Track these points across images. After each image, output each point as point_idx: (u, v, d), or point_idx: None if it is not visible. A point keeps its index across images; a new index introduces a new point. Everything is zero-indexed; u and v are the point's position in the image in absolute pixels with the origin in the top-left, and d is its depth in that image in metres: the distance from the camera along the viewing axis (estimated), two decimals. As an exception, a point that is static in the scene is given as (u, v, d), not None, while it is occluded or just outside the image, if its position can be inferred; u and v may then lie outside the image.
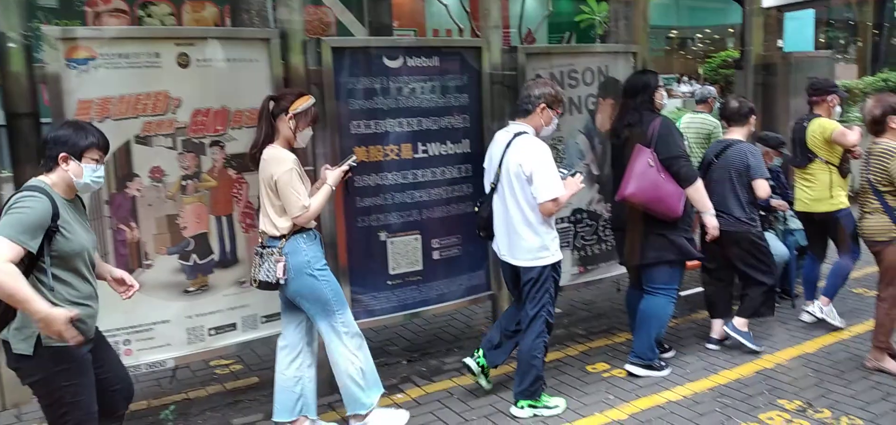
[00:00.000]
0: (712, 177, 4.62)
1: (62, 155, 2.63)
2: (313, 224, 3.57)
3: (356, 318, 4.17)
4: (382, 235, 4.31)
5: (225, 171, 3.83)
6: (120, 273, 3.03)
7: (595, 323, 5.51)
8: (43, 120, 3.48)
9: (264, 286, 3.49)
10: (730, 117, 4.76)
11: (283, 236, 3.44)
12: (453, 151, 4.50)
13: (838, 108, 5.11)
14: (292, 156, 3.44)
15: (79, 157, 2.65)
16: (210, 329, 3.88)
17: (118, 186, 3.57)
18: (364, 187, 4.18)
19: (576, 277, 5.03)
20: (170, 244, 3.73)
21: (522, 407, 3.90)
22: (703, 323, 5.18)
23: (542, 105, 3.82)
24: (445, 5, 11.04)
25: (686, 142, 6.58)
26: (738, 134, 4.70)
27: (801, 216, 5.25)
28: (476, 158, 4.57)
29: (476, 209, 4.12)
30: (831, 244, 5.26)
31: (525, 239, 3.77)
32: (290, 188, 3.35)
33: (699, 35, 25.08)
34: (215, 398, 4.35)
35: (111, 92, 3.48)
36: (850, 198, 5.03)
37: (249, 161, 3.63)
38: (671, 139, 4.16)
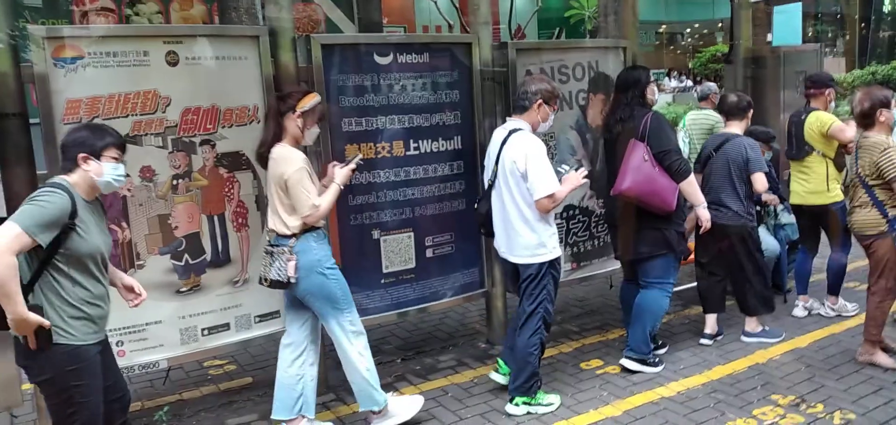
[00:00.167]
0: (711, 171, 4.66)
1: (82, 155, 2.65)
2: (322, 223, 3.56)
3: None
4: (375, 233, 4.30)
5: (216, 170, 3.81)
6: (130, 280, 3.03)
7: (588, 319, 5.52)
8: (31, 120, 3.44)
9: (275, 285, 3.48)
10: (728, 111, 4.79)
11: (294, 235, 3.43)
12: (445, 148, 4.49)
13: (833, 103, 5.15)
14: (302, 155, 3.44)
15: (98, 156, 2.67)
16: (203, 329, 3.85)
17: (107, 187, 3.53)
18: (356, 185, 4.17)
19: (569, 274, 5.03)
20: (161, 244, 3.70)
21: (518, 404, 3.89)
22: (697, 318, 5.20)
23: (539, 101, 3.82)
24: (435, 2, 11.03)
25: (688, 138, 6.64)
26: (736, 128, 4.73)
27: (796, 209, 5.28)
28: (468, 155, 4.58)
29: (475, 207, 4.12)
30: (824, 238, 5.29)
31: (522, 236, 3.77)
32: (301, 187, 3.35)
33: (688, 30, 25.18)
34: (209, 399, 4.33)
35: (100, 91, 3.45)
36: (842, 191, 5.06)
37: (257, 160, 3.61)
38: (663, 133, 4.17)
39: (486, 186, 3.99)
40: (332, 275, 3.52)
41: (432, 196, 4.47)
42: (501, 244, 3.93)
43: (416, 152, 4.38)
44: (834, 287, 5.21)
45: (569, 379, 4.37)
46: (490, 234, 4.05)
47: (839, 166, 4.95)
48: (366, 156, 4.15)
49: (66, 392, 2.61)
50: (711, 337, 4.84)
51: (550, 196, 3.66)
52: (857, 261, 5.53)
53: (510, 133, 3.80)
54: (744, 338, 4.82)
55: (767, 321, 4.96)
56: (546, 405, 3.93)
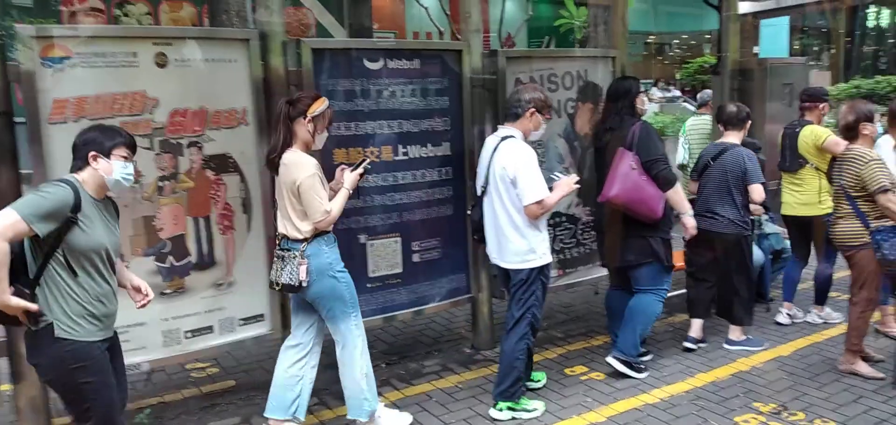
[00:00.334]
0: (708, 179, 4.72)
1: (92, 154, 2.69)
2: (331, 227, 3.58)
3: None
4: (362, 238, 4.30)
5: (203, 173, 3.80)
6: (139, 281, 3.03)
7: (573, 326, 5.54)
8: (16, 119, 3.42)
9: (287, 289, 3.50)
10: (726, 121, 4.85)
11: (305, 239, 3.45)
12: (434, 154, 4.50)
13: (826, 117, 5.24)
14: (313, 161, 3.45)
15: (107, 155, 2.71)
16: (186, 331, 3.84)
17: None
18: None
19: (555, 280, 5.04)
20: (146, 245, 3.68)
21: (501, 409, 3.91)
22: (681, 326, 5.23)
23: (532, 109, 3.86)
24: (426, 8, 11.05)
25: (688, 144, 6.69)
26: (734, 137, 4.79)
27: (788, 220, 5.36)
28: (457, 161, 4.60)
29: (469, 213, 4.16)
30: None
31: (512, 241, 3.80)
32: (313, 193, 3.37)
33: (676, 41, 25.35)
34: (191, 401, 4.31)
35: (87, 91, 3.43)
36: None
37: (268, 165, 3.60)
38: (651, 143, 4.22)
39: (478, 193, 4.01)
40: (343, 279, 3.55)
41: (420, 201, 4.48)
42: (493, 250, 3.97)
43: (405, 157, 4.39)
44: (820, 296, 5.30)
45: (553, 384, 4.38)
46: (482, 240, 4.08)
47: (831, 179, 5.01)
48: (355, 161, 4.15)
49: (75, 389, 2.66)
50: (696, 341, 4.88)
51: (539, 202, 3.69)
52: (843, 271, 5.57)
53: (501, 140, 3.84)
54: (727, 347, 4.86)
55: (750, 330, 5.00)
56: (530, 411, 3.95)
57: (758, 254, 5.48)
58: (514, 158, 3.71)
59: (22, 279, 2.56)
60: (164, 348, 3.78)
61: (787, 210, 5.27)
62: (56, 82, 3.35)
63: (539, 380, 4.34)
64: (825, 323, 5.29)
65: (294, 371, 3.64)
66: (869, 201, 4.13)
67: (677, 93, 19.62)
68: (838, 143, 4.86)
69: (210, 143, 3.79)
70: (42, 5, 9.78)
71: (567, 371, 4.59)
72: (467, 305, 4.97)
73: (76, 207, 2.58)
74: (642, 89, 4.54)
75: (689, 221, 4.34)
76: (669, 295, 4.64)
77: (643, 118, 4.43)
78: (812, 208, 5.04)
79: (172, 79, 3.65)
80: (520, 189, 3.70)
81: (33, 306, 2.55)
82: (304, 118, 3.44)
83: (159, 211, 3.69)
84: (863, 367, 4.36)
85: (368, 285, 4.35)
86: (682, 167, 7.13)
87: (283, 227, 3.53)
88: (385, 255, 4.38)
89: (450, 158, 4.57)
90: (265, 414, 3.69)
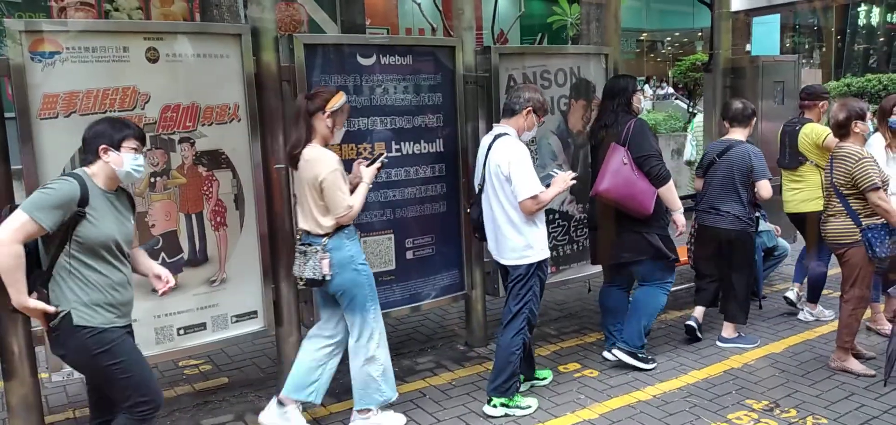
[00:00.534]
0: (713, 176, 4.75)
1: (102, 147, 2.73)
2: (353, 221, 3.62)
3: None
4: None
5: (195, 168, 3.77)
6: (159, 269, 3.08)
7: (566, 323, 5.55)
8: (6, 115, 3.39)
9: (310, 283, 3.54)
10: (732, 118, 4.87)
11: (326, 234, 3.48)
12: (427, 151, 4.49)
13: (826, 115, 5.29)
14: (335, 156, 3.48)
15: (117, 147, 2.75)
16: (179, 329, 3.81)
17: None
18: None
19: (548, 277, 5.04)
20: (138, 242, 3.65)
21: (495, 406, 3.90)
22: (674, 323, 5.26)
23: (529, 108, 3.89)
24: (418, 4, 11.02)
25: (696, 140, 6.70)
26: (740, 134, 4.81)
27: (791, 217, 5.42)
28: (450, 158, 4.59)
29: (468, 211, 4.21)
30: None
31: (510, 238, 3.83)
32: (336, 188, 3.41)
33: (668, 38, 25.42)
34: (184, 399, 4.28)
35: (78, 86, 3.40)
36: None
37: (288, 161, 3.62)
38: (644, 139, 4.24)
39: (476, 191, 4.04)
40: (364, 271, 3.61)
41: (413, 198, 4.47)
42: (492, 246, 4.01)
43: (398, 154, 4.38)
44: (813, 294, 5.34)
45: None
46: (483, 238, 4.10)
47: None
48: (348, 157, 4.14)
49: (104, 372, 2.73)
50: (698, 325, 4.93)
51: (534, 198, 3.71)
52: (835, 269, 5.59)
53: (496, 138, 3.87)
54: (719, 344, 4.88)
55: (743, 327, 5.02)
56: (524, 408, 3.95)
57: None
58: (508, 155, 3.74)
59: (35, 271, 2.62)
60: (156, 345, 3.75)
61: (788, 208, 5.34)
62: (46, 77, 3.32)
63: (545, 378, 4.35)
64: (817, 320, 5.32)
65: (320, 355, 3.71)
66: (860, 199, 4.14)
67: (670, 90, 19.70)
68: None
69: (202, 139, 3.77)
70: (31, 0, 9.70)
71: (561, 368, 4.59)
72: (461, 302, 4.96)
73: (83, 201, 2.63)
74: (639, 88, 4.56)
75: (680, 219, 4.36)
76: (673, 289, 4.66)
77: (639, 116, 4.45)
78: (812, 204, 5.09)
79: (164, 74, 3.62)
80: (514, 185, 3.72)
81: (51, 308, 2.63)
82: (323, 113, 3.47)
83: (151, 207, 3.67)
84: (854, 365, 4.38)
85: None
86: (690, 163, 7.17)
87: (304, 223, 3.57)
88: (378, 252, 4.37)
89: (443, 155, 4.56)
90: (281, 394, 3.72)
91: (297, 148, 3.50)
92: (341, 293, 3.58)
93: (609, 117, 4.40)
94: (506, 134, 3.87)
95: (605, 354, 4.68)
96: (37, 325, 3.41)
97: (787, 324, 5.30)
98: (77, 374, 3.56)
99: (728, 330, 4.91)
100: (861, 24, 22.70)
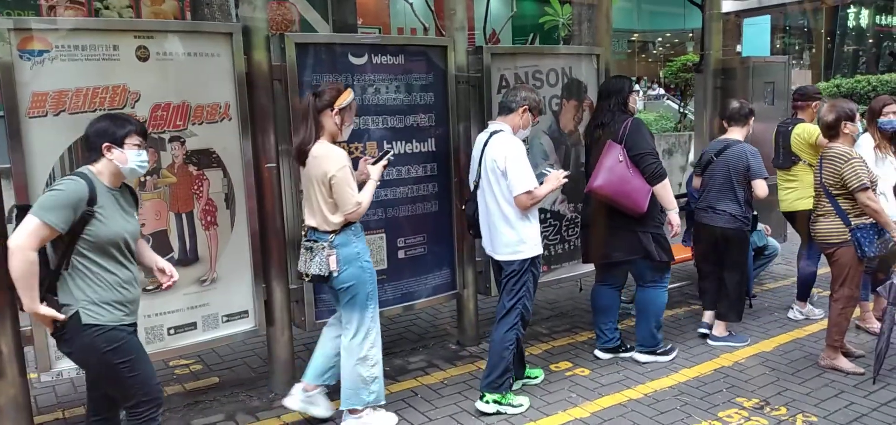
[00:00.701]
0: (711, 175, 4.80)
1: (105, 144, 2.73)
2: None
3: (319, 318, 4.18)
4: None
5: (185, 167, 3.76)
6: (163, 262, 3.09)
7: (557, 322, 5.55)
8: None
9: (317, 279, 3.56)
10: (730, 117, 4.93)
11: (334, 230, 3.50)
12: (419, 150, 4.49)
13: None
14: (344, 153, 3.49)
15: (120, 144, 2.75)
16: (169, 328, 3.80)
17: (74, 182, 3.47)
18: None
19: (539, 276, 5.05)
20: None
21: (488, 402, 3.91)
22: (666, 322, 5.26)
23: (525, 107, 3.93)
24: (410, 4, 11.01)
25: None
26: (737, 134, 4.86)
27: (786, 216, 5.52)
28: (441, 157, 4.59)
29: (463, 208, 4.23)
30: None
31: (504, 233, 3.85)
32: (345, 185, 3.42)
33: (660, 39, 25.50)
34: (174, 399, 4.26)
35: (67, 85, 3.38)
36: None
37: (296, 158, 3.62)
38: (641, 137, 4.28)
39: (471, 188, 4.06)
40: (368, 269, 3.62)
41: (405, 197, 4.46)
42: (486, 242, 4.03)
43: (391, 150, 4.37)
44: (803, 292, 5.40)
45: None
46: (477, 235, 4.12)
47: None
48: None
49: (112, 370, 2.73)
50: (709, 327, 5.00)
51: (528, 192, 3.74)
52: (821, 269, 5.64)
53: (492, 134, 3.90)
54: (710, 342, 4.90)
55: (734, 326, 5.05)
56: (516, 406, 3.95)
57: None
58: (505, 150, 3.77)
59: (43, 270, 2.61)
60: (146, 345, 3.69)
61: (783, 206, 5.43)
62: (35, 76, 3.30)
63: (537, 377, 4.35)
64: (807, 319, 5.35)
65: (338, 343, 3.75)
66: (849, 199, 4.17)
67: (661, 90, 19.77)
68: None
69: (192, 138, 3.76)
70: (20, -2, 9.64)
71: (552, 367, 4.60)
72: (453, 301, 4.96)
73: (92, 199, 2.64)
74: (635, 89, 4.60)
75: (675, 218, 4.37)
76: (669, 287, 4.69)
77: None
78: (806, 203, 5.13)
79: (154, 72, 3.60)
80: (510, 180, 3.75)
81: (60, 316, 2.64)
82: (332, 110, 3.49)
83: (141, 206, 3.64)
84: (844, 363, 4.41)
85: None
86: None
87: (311, 219, 3.58)
88: (370, 251, 4.35)
89: (435, 154, 4.56)
90: (304, 381, 3.83)
91: (307, 144, 3.51)
92: (344, 289, 3.58)
93: (605, 116, 4.44)
94: (502, 130, 3.90)
95: (597, 353, 4.70)
96: (26, 325, 3.40)
97: (777, 323, 5.33)
98: (66, 374, 3.56)
99: (719, 328, 4.94)
100: (851, 26, 22.84)
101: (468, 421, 3.90)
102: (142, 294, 3.61)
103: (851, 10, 22.37)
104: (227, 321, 3.99)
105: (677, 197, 4.66)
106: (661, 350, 4.61)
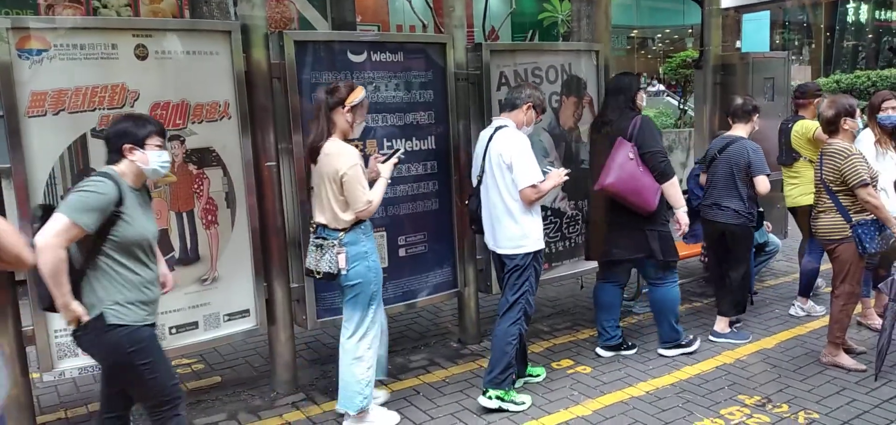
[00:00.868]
0: (715, 172, 4.85)
1: (127, 146, 2.74)
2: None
3: (320, 317, 4.18)
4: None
5: (185, 166, 3.75)
6: (164, 267, 3.14)
7: (559, 319, 5.55)
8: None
9: (327, 277, 3.55)
10: (733, 114, 4.98)
11: (343, 228, 3.50)
12: (419, 148, 4.48)
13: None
14: (355, 151, 3.51)
15: (142, 145, 2.76)
16: (171, 328, 3.79)
17: (74, 181, 3.46)
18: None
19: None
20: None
21: (491, 398, 3.90)
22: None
23: (530, 104, 3.96)
24: (409, 1, 10.99)
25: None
26: (741, 130, 4.90)
27: (791, 211, 5.60)
28: (441, 155, 4.58)
29: (466, 203, 4.24)
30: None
31: (507, 227, 3.86)
32: (357, 183, 3.43)
33: (659, 35, 25.47)
34: (175, 398, 4.25)
35: (66, 84, 3.37)
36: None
37: (308, 155, 3.62)
38: (650, 135, 4.31)
39: (474, 183, 4.07)
40: (375, 269, 3.63)
41: (405, 195, 4.45)
42: (488, 237, 4.03)
43: (390, 151, 4.35)
44: (805, 288, 5.43)
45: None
46: (480, 231, 4.12)
47: None
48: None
49: (135, 370, 2.74)
50: (719, 335, 4.99)
51: (534, 186, 3.76)
52: (827, 264, 5.64)
53: (497, 129, 3.92)
54: (712, 338, 4.90)
55: (734, 323, 5.05)
56: (518, 404, 3.95)
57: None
58: (510, 144, 3.79)
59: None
60: (146, 345, 3.72)
61: (789, 202, 5.50)
62: (34, 75, 3.29)
63: (538, 375, 4.35)
64: (808, 315, 5.35)
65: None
66: (849, 195, 4.16)
67: (661, 87, 19.75)
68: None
69: (192, 137, 3.75)
70: (18, -4, 9.61)
71: (554, 364, 4.60)
72: (454, 299, 4.96)
73: (120, 201, 2.65)
74: (642, 86, 4.62)
75: (683, 216, 4.39)
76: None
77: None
78: (808, 198, 5.15)
79: (153, 71, 3.59)
80: (515, 174, 3.77)
81: (86, 315, 2.65)
82: (343, 107, 3.49)
83: (142, 206, 3.63)
84: (845, 359, 4.40)
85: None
86: None
87: (320, 216, 3.58)
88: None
89: (435, 152, 4.55)
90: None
91: (319, 142, 3.51)
92: (350, 286, 3.59)
93: (613, 113, 4.45)
94: (506, 126, 3.92)
95: (598, 351, 4.70)
96: (28, 325, 3.40)
97: (778, 320, 5.33)
98: (68, 374, 3.56)
99: (721, 324, 4.94)
100: (850, 21, 22.82)
101: (470, 419, 3.89)
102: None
103: (851, 6, 22.35)
104: (229, 320, 3.98)
105: None
106: (685, 341, 4.66)
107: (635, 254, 4.45)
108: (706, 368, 4.47)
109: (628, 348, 4.71)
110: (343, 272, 3.52)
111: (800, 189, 5.34)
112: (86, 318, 2.64)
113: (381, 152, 4.09)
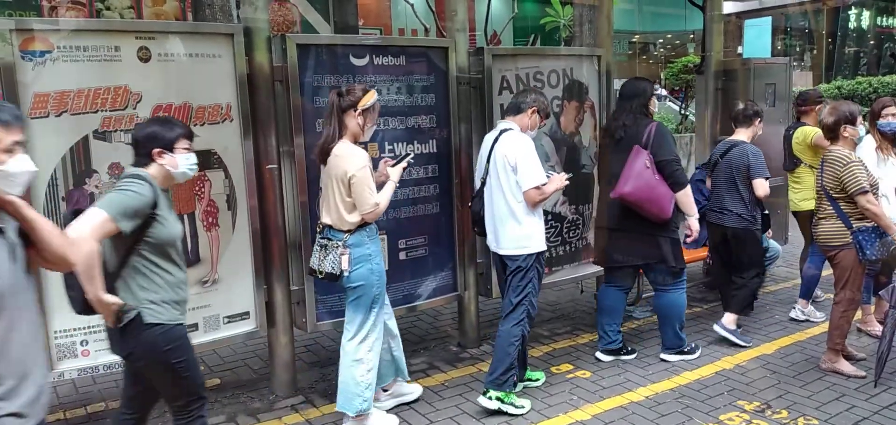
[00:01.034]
0: (718, 176, 4.92)
1: (156, 150, 2.73)
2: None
3: (320, 320, 4.18)
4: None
5: (187, 169, 3.75)
6: None
7: (559, 324, 5.55)
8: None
9: (330, 277, 3.57)
10: (736, 119, 5.06)
11: (349, 230, 3.52)
12: (420, 151, 4.49)
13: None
14: (365, 154, 3.53)
15: (171, 149, 2.76)
16: (170, 329, 3.79)
17: (76, 182, 3.47)
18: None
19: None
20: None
21: (491, 399, 3.91)
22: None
23: (534, 108, 3.99)
24: (411, 5, 11.00)
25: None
26: (743, 135, 4.96)
27: (795, 216, 5.69)
28: (443, 159, 4.58)
29: (469, 205, 4.27)
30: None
31: (509, 228, 3.88)
32: (365, 186, 3.45)
33: (661, 40, 25.46)
34: (175, 400, 4.26)
35: (69, 85, 3.39)
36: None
37: (318, 155, 3.63)
38: (665, 143, 4.34)
39: (478, 185, 4.10)
40: (377, 272, 3.63)
41: (406, 199, 4.46)
42: (491, 238, 4.05)
43: (392, 155, 4.36)
44: (807, 292, 5.47)
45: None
46: (482, 233, 4.14)
47: None
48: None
49: (170, 369, 2.75)
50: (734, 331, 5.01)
51: (538, 188, 3.79)
52: (828, 271, 5.65)
53: (501, 132, 3.95)
54: (716, 328, 4.95)
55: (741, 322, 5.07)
56: (518, 407, 3.95)
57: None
58: (516, 146, 3.83)
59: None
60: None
61: (792, 207, 5.59)
62: (37, 76, 3.31)
63: (538, 379, 4.36)
64: (808, 319, 5.36)
65: (381, 343, 3.79)
66: (850, 202, 4.16)
67: (663, 92, 19.74)
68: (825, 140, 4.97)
69: (194, 139, 3.74)
70: (22, -2, 9.64)
71: (553, 369, 4.60)
72: (454, 303, 4.96)
73: (155, 203, 2.66)
74: (655, 92, 4.64)
75: (694, 224, 4.44)
76: (651, 295, 4.70)
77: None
78: (810, 203, 5.21)
79: (156, 73, 3.61)
80: (520, 175, 3.79)
81: (122, 302, 2.62)
82: (355, 110, 3.51)
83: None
84: (845, 366, 4.40)
85: (354, 283, 4.33)
86: None
87: (327, 217, 3.60)
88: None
89: (436, 156, 4.56)
90: (378, 387, 3.90)
91: (329, 143, 3.53)
92: (352, 288, 3.61)
93: (627, 118, 4.47)
94: (511, 129, 3.95)
95: (598, 355, 4.70)
96: None
97: (778, 326, 5.33)
98: (68, 375, 3.57)
99: (729, 319, 4.98)
100: (852, 27, 22.80)
101: (469, 422, 3.90)
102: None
103: (852, 12, 22.34)
104: (229, 322, 3.99)
105: None
106: (687, 348, 4.68)
107: (648, 260, 4.50)
108: (706, 374, 4.47)
109: (628, 353, 4.71)
110: (345, 273, 3.53)
111: (801, 194, 5.41)
112: (116, 307, 2.60)
113: (391, 156, 4.10)
